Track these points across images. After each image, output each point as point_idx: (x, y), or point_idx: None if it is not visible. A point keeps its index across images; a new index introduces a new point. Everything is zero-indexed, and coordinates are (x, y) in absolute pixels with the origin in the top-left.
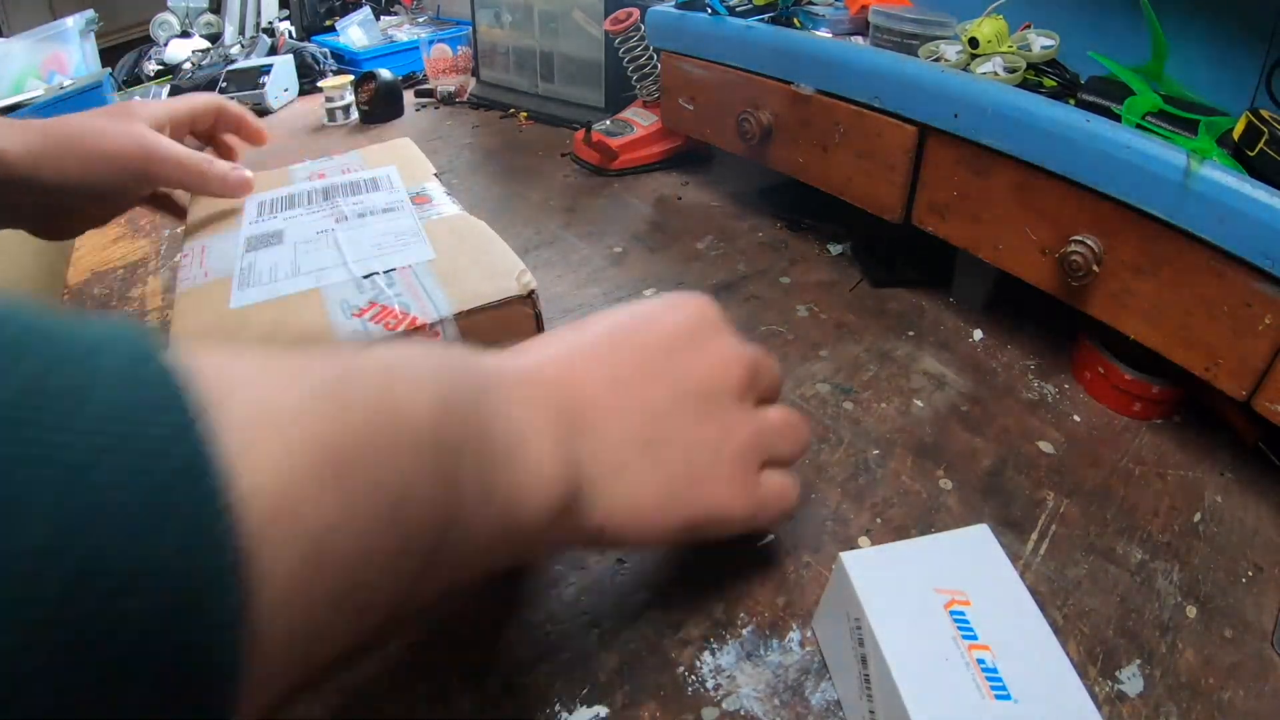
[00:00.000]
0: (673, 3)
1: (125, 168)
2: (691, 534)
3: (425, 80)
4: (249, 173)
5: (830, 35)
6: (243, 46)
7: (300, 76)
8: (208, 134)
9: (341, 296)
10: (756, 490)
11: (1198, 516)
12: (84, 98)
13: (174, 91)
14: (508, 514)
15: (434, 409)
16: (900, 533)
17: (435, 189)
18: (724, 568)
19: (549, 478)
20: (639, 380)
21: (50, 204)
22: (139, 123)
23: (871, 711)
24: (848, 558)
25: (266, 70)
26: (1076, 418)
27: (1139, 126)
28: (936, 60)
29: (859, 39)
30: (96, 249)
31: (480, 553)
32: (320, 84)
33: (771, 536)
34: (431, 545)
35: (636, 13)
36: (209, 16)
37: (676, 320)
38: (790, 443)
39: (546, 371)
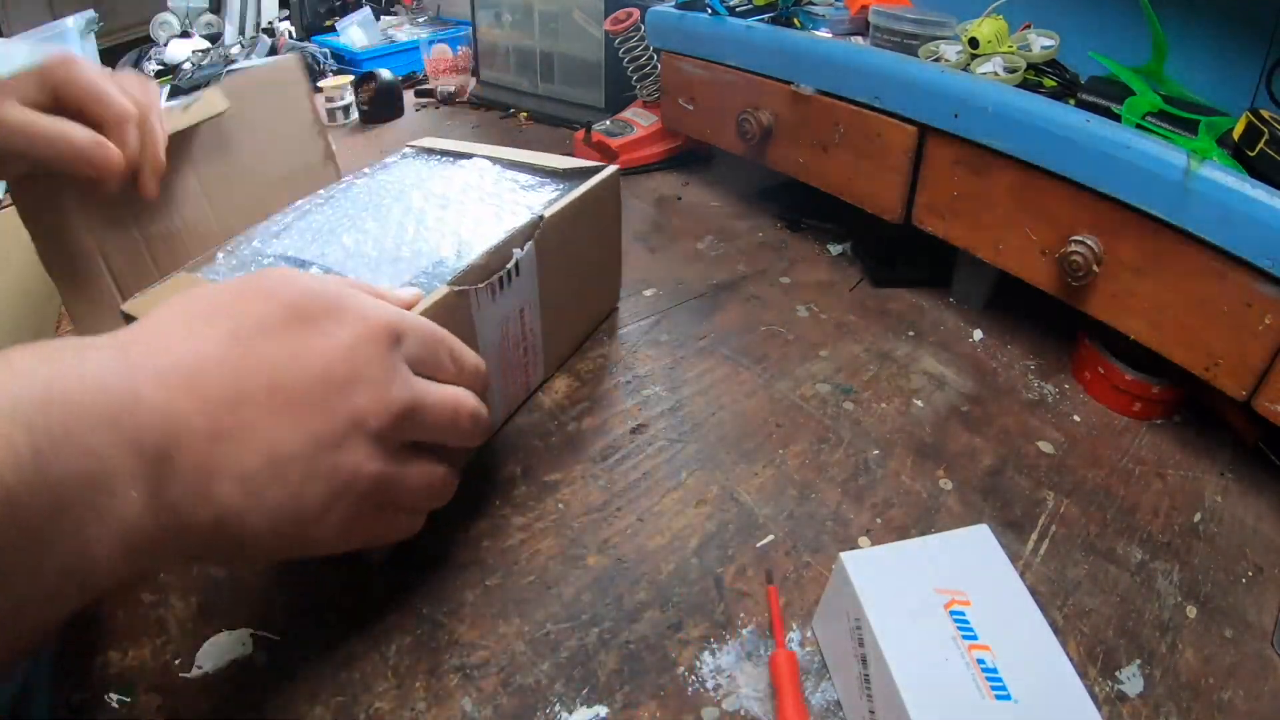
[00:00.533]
0: (673, 3)
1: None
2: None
3: (425, 80)
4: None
5: (830, 35)
6: (243, 46)
7: None
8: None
9: None
10: (366, 533)
11: (1198, 516)
12: None
13: (174, 92)
14: (74, 558)
15: None
16: (900, 533)
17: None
18: (724, 567)
19: (127, 519)
20: (264, 424)
21: None
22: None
23: (871, 711)
24: (848, 558)
25: None
26: (1076, 418)
27: (1139, 126)
28: (936, 60)
29: (859, 39)
30: None
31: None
32: (320, 84)
33: (771, 537)
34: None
35: (636, 13)
36: (209, 16)
37: (335, 352)
38: (420, 497)
39: (147, 406)
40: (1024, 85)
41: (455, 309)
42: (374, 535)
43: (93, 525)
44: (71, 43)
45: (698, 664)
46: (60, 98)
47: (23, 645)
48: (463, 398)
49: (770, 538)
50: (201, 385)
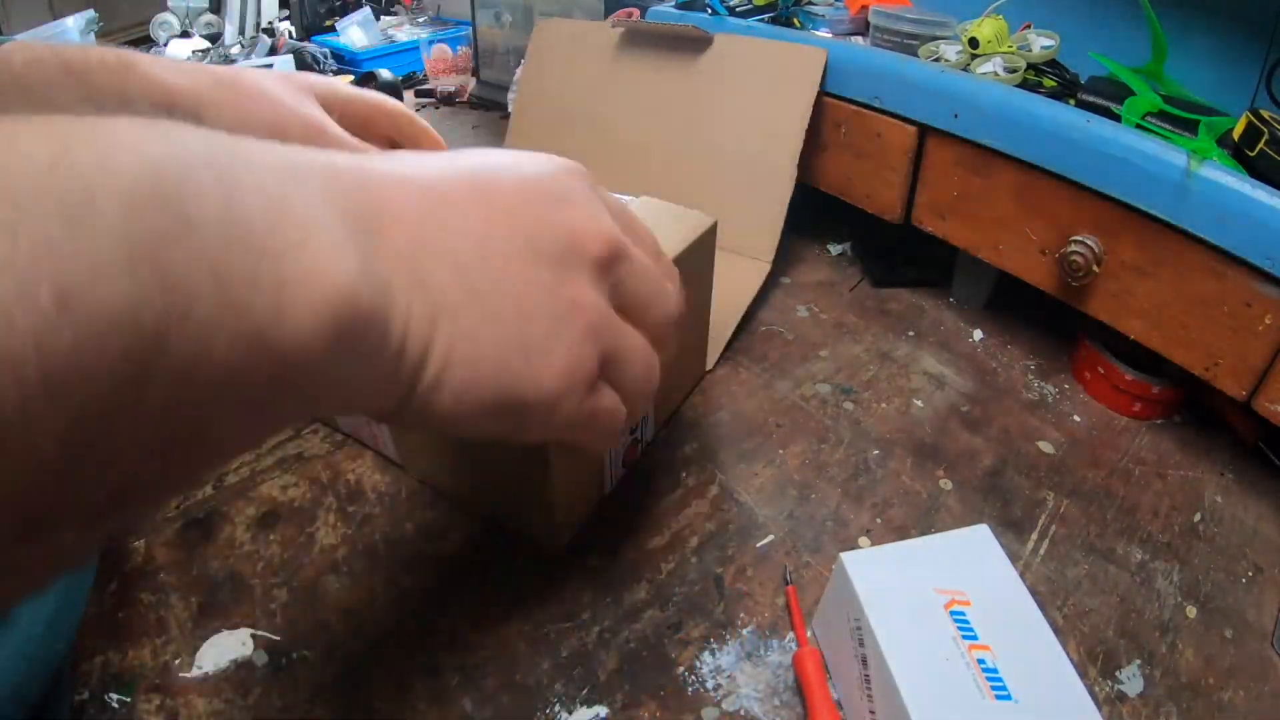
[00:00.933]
0: (673, 3)
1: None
2: (515, 421)
3: (425, 80)
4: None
5: (830, 35)
6: (243, 46)
7: None
8: (379, 139)
9: None
10: (592, 394)
11: (1198, 516)
12: None
13: None
14: (264, 330)
15: (133, 171)
16: (900, 533)
17: None
18: (724, 567)
19: (343, 282)
20: (475, 211)
21: None
22: (312, 102)
23: (872, 711)
24: (848, 558)
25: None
26: (1076, 418)
27: (1139, 126)
28: (936, 60)
29: (859, 39)
30: None
31: (228, 376)
32: None
33: (771, 537)
34: (140, 355)
35: (636, 13)
36: (209, 16)
37: (540, 170)
38: (638, 367)
39: (344, 168)
40: (1024, 85)
41: None
42: (590, 410)
43: (281, 258)
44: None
45: (698, 664)
46: (367, 133)
47: (213, 416)
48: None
49: (770, 538)
50: (400, 173)
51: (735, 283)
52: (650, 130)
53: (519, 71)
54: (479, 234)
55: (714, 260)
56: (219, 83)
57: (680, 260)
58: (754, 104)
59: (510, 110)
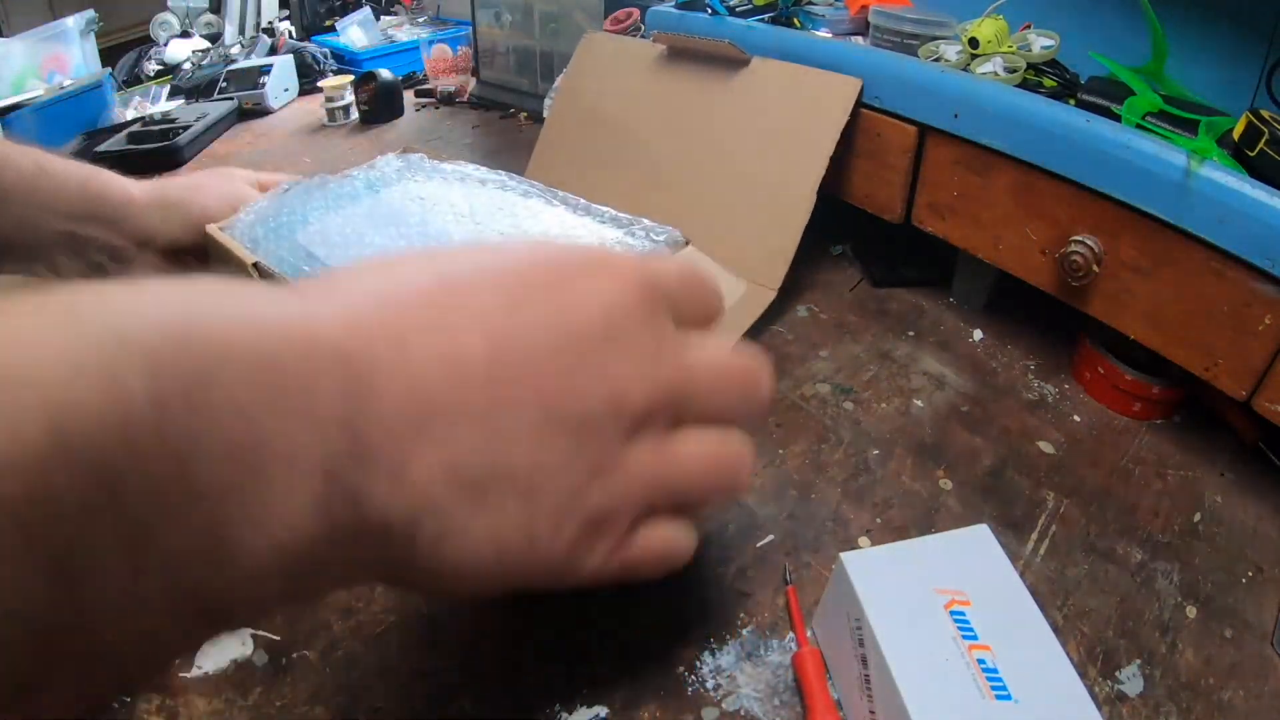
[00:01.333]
0: (673, 3)
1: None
2: (522, 584)
3: (425, 80)
4: None
5: (830, 35)
6: (243, 46)
7: (300, 77)
8: None
9: None
10: (620, 552)
11: (1198, 516)
12: (84, 98)
13: (174, 93)
14: (217, 560)
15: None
16: (900, 533)
17: None
18: (724, 567)
19: (300, 519)
20: (482, 378)
21: (124, 249)
22: (238, 181)
23: (871, 711)
24: (848, 558)
25: (266, 70)
26: (1076, 418)
27: (1139, 126)
28: (936, 60)
29: (859, 39)
30: None
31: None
32: (320, 84)
33: (771, 537)
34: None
35: (636, 13)
36: (209, 16)
37: (583, 299)
38: (707, 486)
39: (333, 330)
40: (1024, 85)
41: None
42: (621, 561)
43: (236, 524)
44: (71, 43)
45: (698, 664)
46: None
47: (104, 691)
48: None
49: (770, 538)
50: (398, 328)
51: (734, 309)
52: (677, 147)
53: (559, 79)
54: (483, 410)
55: None
56: (166, 189)
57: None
58: (782, 129)
59: (545, 115)
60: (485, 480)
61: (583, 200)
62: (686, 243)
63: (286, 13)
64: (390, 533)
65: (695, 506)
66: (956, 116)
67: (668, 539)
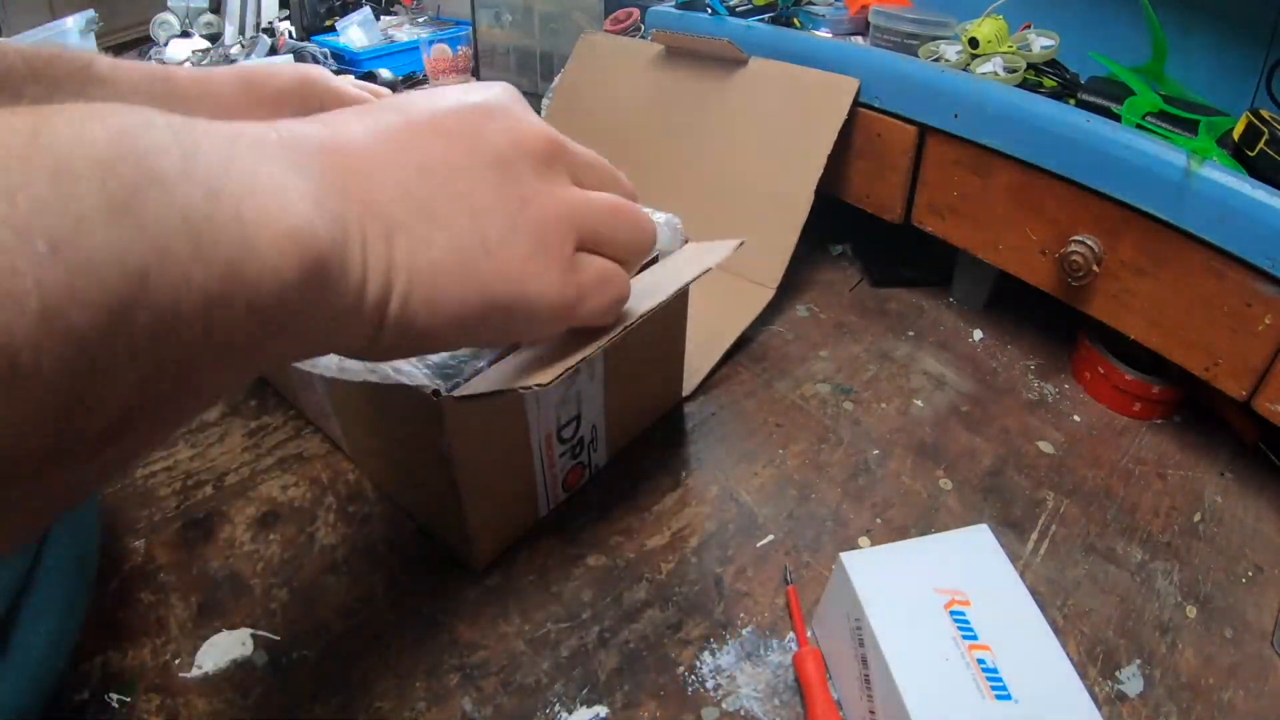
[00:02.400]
0: (673, 3)
1: (283, 101)
2: (497, 322)
3: (425, 80)
4: None
5: (830, 35)
6: (243, 46)
7: None
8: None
9: None
10: (572, 272)
11: (1198, 516)
12: None
13: None
14: (234, 263)
15: (103, 137)
16: (900, 533)
17: None
18: (724, 567)
19: (298, 218)
20: (414, 142)
21: None
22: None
23: (871, 711)
24: (848, 558)
25: None
26: (1076, 418)
27: (1139, 126)
28: (936, 60)
29: (859, 39)
30: None
31: (206, 306)
32: None
33: (771, 537)
34: (125, 288)
35: (636, 13)
36: (209, 16)
37: (472, 96)
38: (621, 228)
39: (284, 127)
40: (1024, 85)
41: None
42: (576, 285)
43: (245, 205)
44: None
45: (698, 664)
46: (328, 108)
47: (191, 359)
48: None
49: (770, 538)
50: (339, 124)
51: (733, 308)
52: (676, 147)
53: (557, 79)
54: (420, 160)
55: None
56: (217, 76)
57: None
58: (780, 129)
59: (543, 116)
60: (437, 202)
61: None
62: (686, 240)
63: (286, 13)
64: (368, 257)
65: (613, 247)
66: (956, 116)
67: (605, 266)
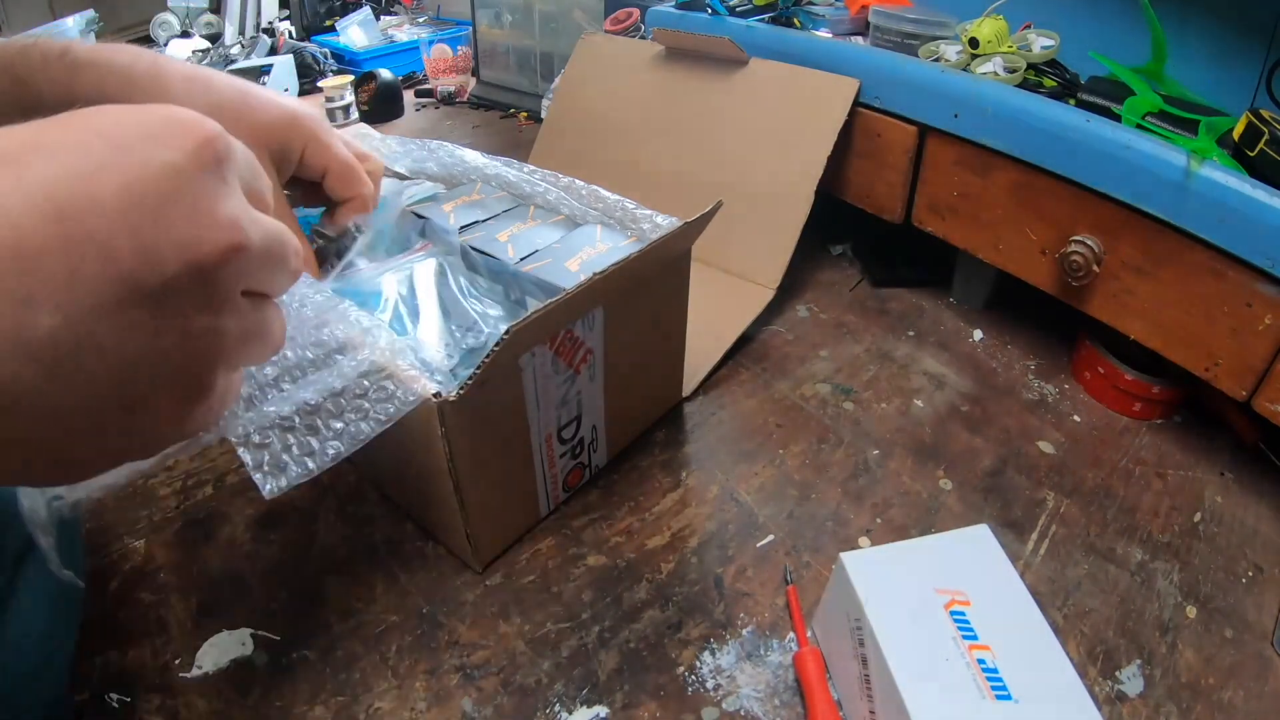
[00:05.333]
0: (673, 3)
1: (274, 135)
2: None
3: (425, 80)
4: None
5: (830, 35)
6: (243, 46)
7: (300, 76)
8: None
9: None
10: (204, 414)
11: (1198, 516)
12: None
13: None
14: None
15: None
16: (900, 533)
17: None
18: (724, 567)
19: None
20: (56, 260)
21: None
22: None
23: (872, 711)
24: (848, 558)
25: (266, 70)
26: (1076, 418)
27: (1139, 126)
28: (936, 60)
29: (859, 39)
30: None
31: None
32: (320, 84)
33: (771, 537)
34: None
35: (636, 13)
36: (209, 16)
37: (147, 161)
38: (251, 356)
39: None
40: (1024, 85)
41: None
42: (202, 419)
43: None
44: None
45: (698, 664)
46: (306, 158)
47: None
48: (288, 234)
49: (770, 538)
50: None
51: (733, 308)
52: (676, 148)
53: (557, 80)
54: (61, 295)
55: (690, 279)
56: (211, 86)
57: (648, 278)
58: (780, 130)
59: (543, 116)
60: (68, 375)
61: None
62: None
63: (286, 13)
64: None
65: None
66: (956, 116)
67: (228, 390)
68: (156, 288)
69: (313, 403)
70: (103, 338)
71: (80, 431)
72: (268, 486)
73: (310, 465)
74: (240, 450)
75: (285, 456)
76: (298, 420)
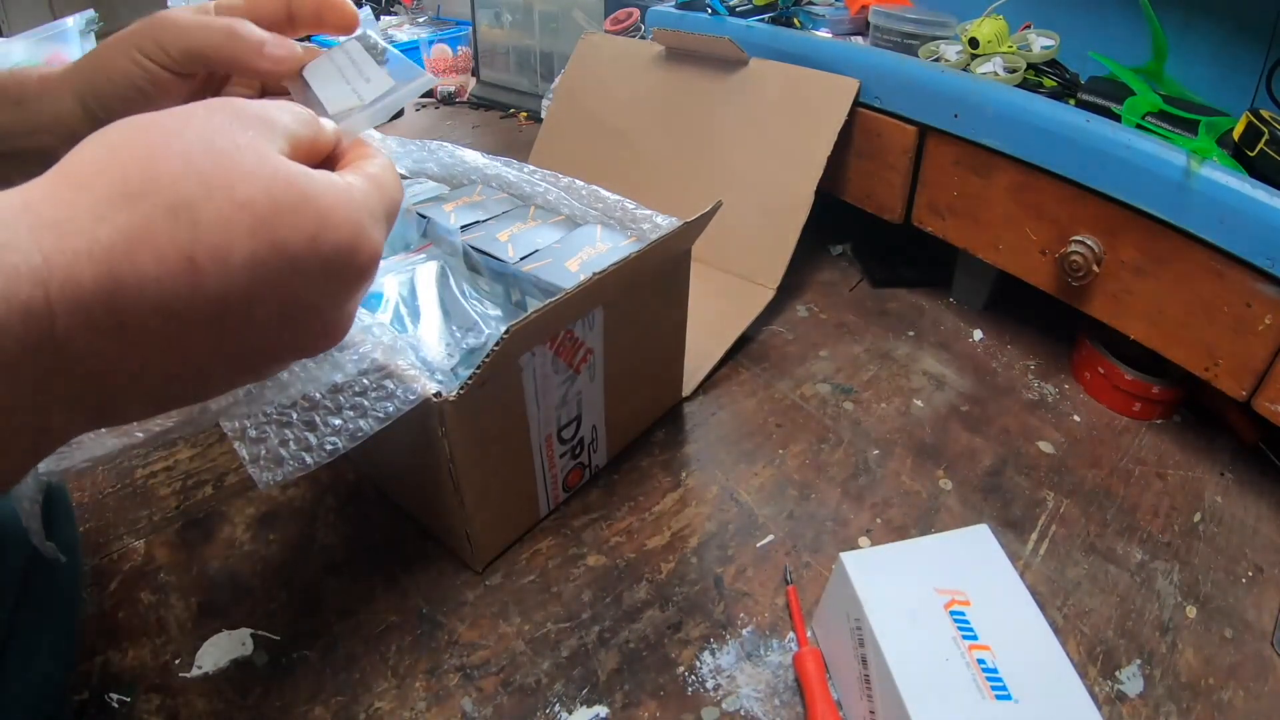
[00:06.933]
0: (673, 3)
1: (127, 54)
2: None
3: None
4: (297, 45)
5: (830, 35)
6: None
7: None
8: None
9: None
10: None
11: (1198, 516)
12: None
13: None
14: None
15: None
16: (900, 533)
17: None
18: (724, 567)
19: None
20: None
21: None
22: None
23: (871, 712)
24: (848, 558)
25: None
26: (1076, 418)
27: (1139, 126)
28: (936, 60)
29: (859, 39)
30: None
31: None
32: None
33: (771, 537)
34: None
35: (636, 13)
36: None
37: (319, 259)
38: None
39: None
40: (1024, 85)
41: None
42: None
43: None
44: (71, 42)
45: (698, 664)
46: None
47: None
48: None
49: (770, 538)
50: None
51: (733, 308)
52: (676, 147)
53: (557, 80)
54: (252, 286)
55: (689, 279)
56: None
57: (651, 275)
58: (780, 130)
59: (543, 116)
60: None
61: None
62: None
63: None
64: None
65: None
66: (956, 116)
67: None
68: (334, 286)
69: (312, 397)
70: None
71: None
72: (264, 477)
73: (308, 460)
74: (236, 444)
75: (282, 451)
76: (295, 416)
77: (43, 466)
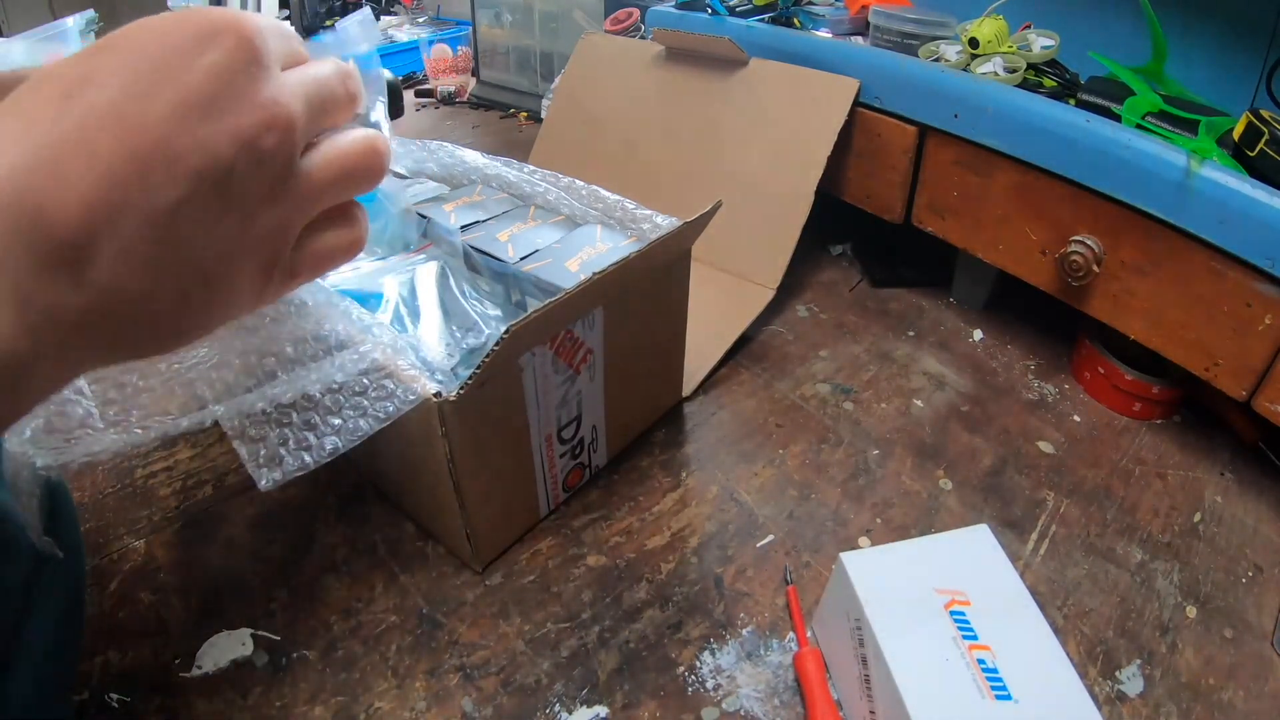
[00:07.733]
0: (673, 3)
1: None
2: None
3: (425, 80)
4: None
5: (830, 35)
6: None
7: None
8: None
9: None
10: (282, 280)
11: (1198, 516)
12: None
13: None
14: None
15: None
16: (900, 533)
17: None
18: (724, 567)
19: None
20: (139, 176)
21: None
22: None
23: (872, 712)
24: (848, 558)
25: None
26: (1076, 418)
27: (1139, 126)
28: (936, 60)
29: (859, 39)
30: None
31: None
32: None
33: (771, 537)
34: None
35: (636, 13)
36: None
37: (198, 77)
38: (349, 189)
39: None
40: (1024, 85)
41: None
42: (303, 276)
43: None
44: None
45: (698, 664)
46: None
47: None
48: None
49: (770, 538)
50: (65, 160)
51: (733, 308)
52: (676, 148)
53: (557, 80)
54: (139, 199)
55: (689, 280)
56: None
57: (651, 276)
58: (780, 130)
59: (543, 116)
60: (164, 262)
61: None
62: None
63: (287, 13)
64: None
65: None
66: (956, 116)
67: (330, 247)
68: (221, 177)
69: (312, 395)
70: (182, 229)
71: (167, 312)
72: (263, 478)
73: (307, 459)
74: (236, 444)
75: (282, 451)
76: (295, 416)
77: (41, 461)
